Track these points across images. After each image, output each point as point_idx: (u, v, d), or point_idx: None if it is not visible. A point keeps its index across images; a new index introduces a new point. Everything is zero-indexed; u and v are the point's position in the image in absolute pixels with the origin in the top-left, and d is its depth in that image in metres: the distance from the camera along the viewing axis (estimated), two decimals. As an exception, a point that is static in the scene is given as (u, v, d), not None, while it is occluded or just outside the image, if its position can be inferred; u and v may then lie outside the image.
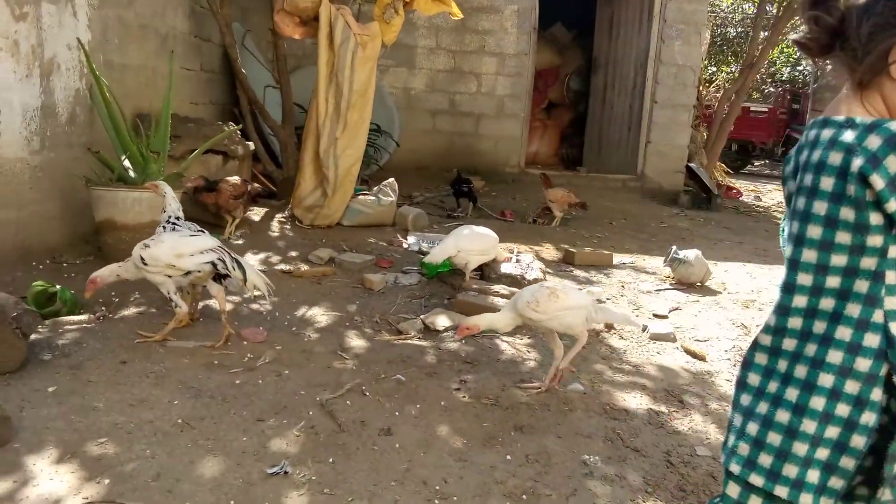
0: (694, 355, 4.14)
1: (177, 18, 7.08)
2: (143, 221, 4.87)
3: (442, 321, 4.27)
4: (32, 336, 3.37)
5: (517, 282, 5.02)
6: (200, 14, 7.63)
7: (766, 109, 19.46)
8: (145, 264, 3.49)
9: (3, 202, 4.40)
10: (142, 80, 6.23)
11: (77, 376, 3.17)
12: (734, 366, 4.05)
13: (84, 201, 5.13)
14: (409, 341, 4.05)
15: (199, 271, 3.56)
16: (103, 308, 4.13)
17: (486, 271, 5.16)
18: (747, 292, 5.61)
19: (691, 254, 5.65)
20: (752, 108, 18.57)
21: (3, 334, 3.01)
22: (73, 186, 5.10)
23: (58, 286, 3.90)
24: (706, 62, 14.58)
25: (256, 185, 6.46)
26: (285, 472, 2.57)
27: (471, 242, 4.81)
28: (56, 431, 2.70)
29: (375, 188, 7.21)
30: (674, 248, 5.76)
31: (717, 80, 15.01)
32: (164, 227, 3.90)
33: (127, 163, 5.07)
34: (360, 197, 6.93)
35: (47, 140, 4.80)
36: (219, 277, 3.69)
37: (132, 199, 4.82)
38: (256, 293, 3.88)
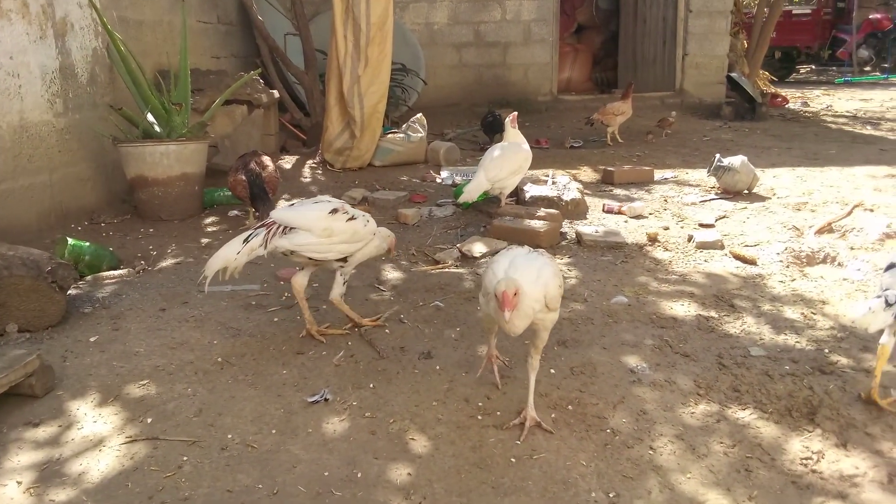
0: (744, 260, 3.96)
1: (188, -30, 6.94)
2: (172, 175, 4.86)
3: (479, 248, 4.17)
4: (71, 291, 3.41)
5: (554, 203, 4.87)
6: (211, -36, 7.48)
7: (810, 11, 18.22)
8: None
9: (35, 166, 4.42)
10: (159, 35, 6.16)
11: (118, 325, 3.19)
12: (787, 267, 3.86)
13: (115, 161, 5.14)
14: (447, 270, 3.98)
15: None
16: (142, 262, 4.16)
17: (521, 195, 5.01)
18: (798, 195, 5.33)
19: (736, 160, 5.38)
20: (793, 11, 17.46)
21: (40, 288, 3.04)
22: (102, 147, 5.11)
23: (70, 239, 3.86)
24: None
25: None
26: (326, 400, 2.55)
27: (501, 166, 4.62)
28: (99, 377, 2.73)
29: (404, 125, 7.07)
30: (717, 156, 5.49)
31: (755, -17, 14.16)
32: None
33: (151, 117, 5.04)
34: (390, 135, 6.80)
35: (70, 101, 4.79)
36: None
37: (159, 152, 4.80)
38: None
